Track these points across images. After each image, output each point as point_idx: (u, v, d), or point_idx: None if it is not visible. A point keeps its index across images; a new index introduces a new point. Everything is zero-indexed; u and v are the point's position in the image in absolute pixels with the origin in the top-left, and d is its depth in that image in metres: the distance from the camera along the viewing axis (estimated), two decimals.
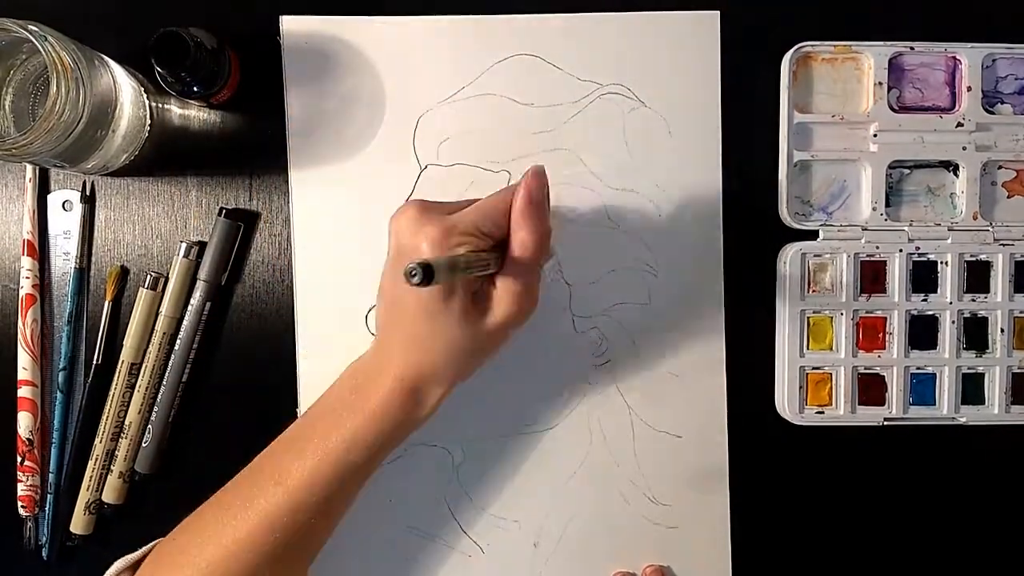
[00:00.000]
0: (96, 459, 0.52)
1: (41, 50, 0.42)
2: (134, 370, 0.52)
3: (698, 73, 0.53)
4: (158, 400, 0.52)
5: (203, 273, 0.52)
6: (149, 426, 0.52)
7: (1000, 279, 0.53)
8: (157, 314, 0.52)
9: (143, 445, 0.52)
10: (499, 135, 0.53)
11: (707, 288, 0.53)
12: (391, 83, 0.53)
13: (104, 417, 0.52)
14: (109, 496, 0.52)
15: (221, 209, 0.52)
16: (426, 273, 0.35)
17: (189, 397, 0.53)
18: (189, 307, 0.52)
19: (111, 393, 0.52)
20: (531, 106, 0.53)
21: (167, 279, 0.52)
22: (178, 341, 0.52)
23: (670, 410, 0.54)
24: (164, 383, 0.52)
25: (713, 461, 0.54)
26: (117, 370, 0.52)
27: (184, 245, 0.52)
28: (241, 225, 0.53)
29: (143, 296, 0.52)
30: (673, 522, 0.54)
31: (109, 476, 0.52)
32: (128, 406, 0.52)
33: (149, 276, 0.52)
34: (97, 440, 0.52)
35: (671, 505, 0.54)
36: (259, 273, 0.53)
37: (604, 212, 0.53)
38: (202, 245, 0.52)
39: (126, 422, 0.52)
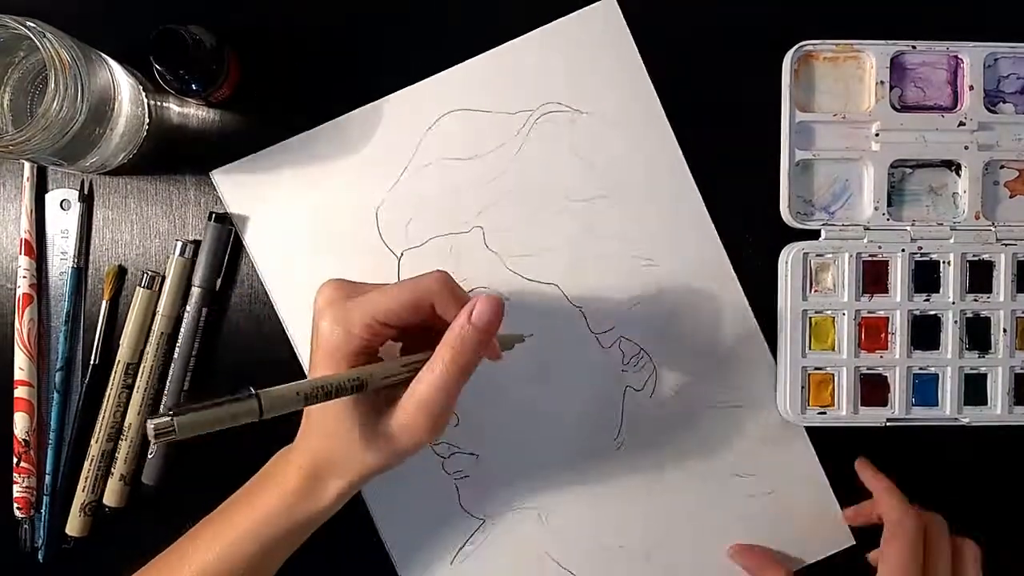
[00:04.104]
0: (92, 460, 0.52)
1: (39, 47, 0.42)
2: (130, 370, 0.52)
3: (618, 63, 0.52)
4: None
5: (197, 279, 0.52)
6: None
7: (1002, 279, 0.53)
8: (154, 314, 0.52)
9: (149, 457, 0.52)
10: (458, 197, 0.53)
11: (713, 270, 0.54)
12: (341, 191, 0.52)
13: (100, 418, 0.52)
14: (110, 499, 0.52)
15: (211, 213, 0.52)
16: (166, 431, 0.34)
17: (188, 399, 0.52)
18: (186, 311, 0.52)
19: (107, 394, 0.52)
20: (475, 158, 0.53)
21: (164, 278, 0.52)
22: (177, 348, 0.52)
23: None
24: (167, 390, 0.52)
25: (771, 424, 0.54)
26: (113, 370, 0.52)
27: (180, 244, 0.52)
28: (232, 228, 0.52)
29: (139, 295, 0.52)
30: (766, 488, 0.54)
31: (110, 479, 0.52)
32: (125, 407, 0.52)
33: (146, 275, 0.52)
34: (93, 441, 0.52)
35: (756, 475, 0.54)
36: (256, 274, 0.53)
37: (588, 226, 0.53)
38: (198, 244, 0.52)
39: (125, 423, 0.52)
